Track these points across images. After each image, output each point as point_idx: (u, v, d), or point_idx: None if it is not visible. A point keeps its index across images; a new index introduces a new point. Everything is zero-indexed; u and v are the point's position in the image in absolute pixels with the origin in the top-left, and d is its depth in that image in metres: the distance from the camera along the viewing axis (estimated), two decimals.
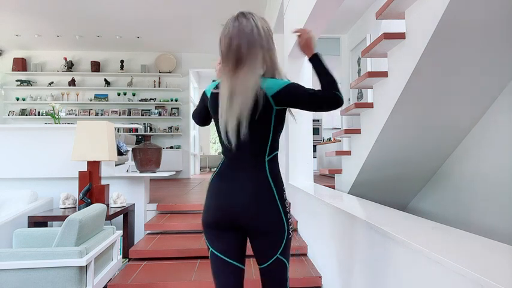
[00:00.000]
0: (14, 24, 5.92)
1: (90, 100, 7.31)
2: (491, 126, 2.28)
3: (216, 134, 1.34)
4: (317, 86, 1.32)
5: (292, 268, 2.47)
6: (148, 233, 3.15)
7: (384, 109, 2.37)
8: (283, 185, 1.28)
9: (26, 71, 7.17)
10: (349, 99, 5.83)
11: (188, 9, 5.39)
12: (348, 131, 2.97)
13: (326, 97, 1.23)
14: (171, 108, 7.43)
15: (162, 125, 7.49)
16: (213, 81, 1.39)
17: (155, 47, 7.19)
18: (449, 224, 1.44)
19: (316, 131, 10.87)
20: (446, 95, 2.16)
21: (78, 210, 2.68)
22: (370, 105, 2.62)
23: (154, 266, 2.57)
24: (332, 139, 7.65)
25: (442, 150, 2.66)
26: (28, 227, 2.66)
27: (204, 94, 1.37)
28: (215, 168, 1.33)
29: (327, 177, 6.52)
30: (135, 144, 5.43)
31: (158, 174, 3.42)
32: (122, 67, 7.33)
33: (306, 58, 1.39)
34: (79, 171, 2.93)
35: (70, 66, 7.24)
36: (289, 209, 1.27)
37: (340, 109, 2.15)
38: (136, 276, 2.37)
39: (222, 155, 1.32)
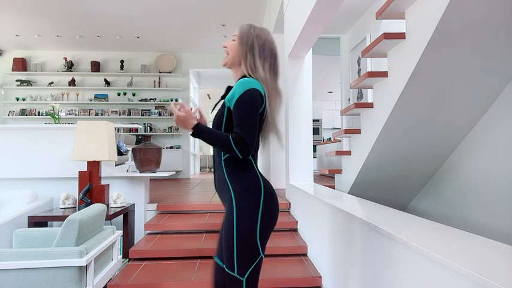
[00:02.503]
0: (14, 24, 5.92)
1: (90, 100, 7.31)
2: (491, 126, 2.28)
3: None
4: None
5: (292, 268, 2.47)
6: (148, 233, 3.15)
7: (384, 109, 2.37)
8: None
9: (26, 71, 7.17)
10: (349, 99, 5.83)
11: (188, 9, 5.39)
12: (348, 131, 2.97)
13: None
14: None
15: (162, 125, 7.49)
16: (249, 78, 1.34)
17: (155, 47, 7.19)
18: (449, 224, 1.44)
19: (316, 131, 10.88)
20: (447, 95, 2.16)
21: (78, 210, 2.68)
22: (370, 105, 2.62)
23: (154, 266, 2.57)
24: (332, 139, 7.66)
25: (442, 150, 2.65)
26: (28, 227, 2.66)
27: (261, 95, 1.29)
28: (239, 167, 1.32)
29: (327, 177, 6.53)
30: (135, 144, 5.43)
31: (158, 174, 3.42)
32: (122, 67, 7.33)
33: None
34: (79, 171, 2.93)
35: (70, 66, 7.24)
36: None
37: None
38: (136, 276, 2.37)
39: (249, 157, 1.32)
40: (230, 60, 1.39)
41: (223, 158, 1.32)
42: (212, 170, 1.37)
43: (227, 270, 1.26)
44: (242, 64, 1.35)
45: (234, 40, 1.40)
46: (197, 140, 8.90)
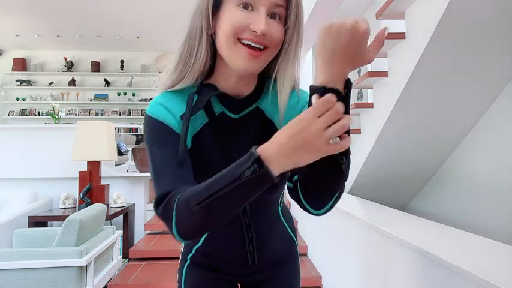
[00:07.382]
0: (14, 24, 5.92)
1: (90, 100, 7.30)
2: (491, 126, 2.28)
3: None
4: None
5: None
6: (148, 233, 3.15)
7: (384, 109, 2.37)
8: None
9: (26, 71, 7.16)
10: None
11: (188, 9, 5.38)
12: None
13: None
14: None
15: None
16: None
17: (155, 47, 7.19)
18: (449, 224, 1.44)
19: None
20: (446, 95, 2.16)
21: (78, 210, 2.68)
22: (370, 105, 2.62)
23: (154, 266, 2.57)
24: None
25: (442, 150, 2.65)
26: (28, 227, 2.66)
27: None
28: None
29: None
30: (135, 144, 5.43)
31: None
32: (122, 67, 7.33)
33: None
34: (79, 171, 2.93)
35: (70, 66, 7.24)
36: None
37: None
38: (136, 276, 2.37)
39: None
40: None
41: (280, 209, 1.00)
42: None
43: None
44: None
45: None
46: None
